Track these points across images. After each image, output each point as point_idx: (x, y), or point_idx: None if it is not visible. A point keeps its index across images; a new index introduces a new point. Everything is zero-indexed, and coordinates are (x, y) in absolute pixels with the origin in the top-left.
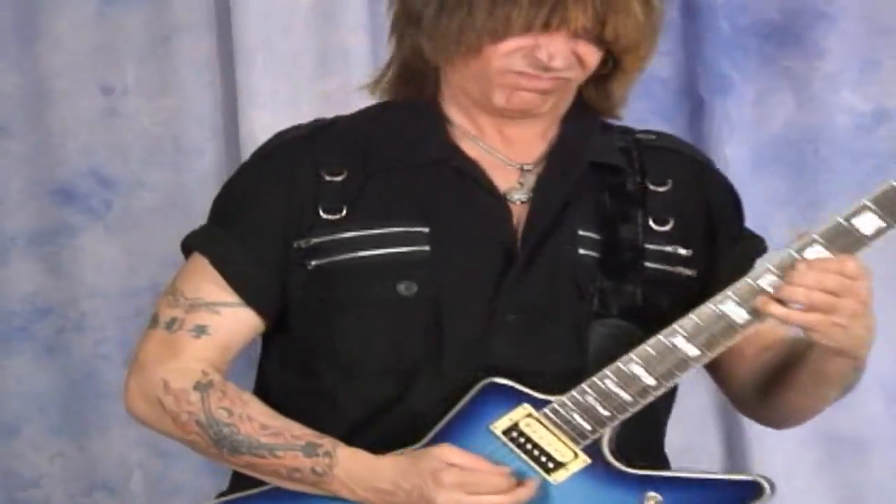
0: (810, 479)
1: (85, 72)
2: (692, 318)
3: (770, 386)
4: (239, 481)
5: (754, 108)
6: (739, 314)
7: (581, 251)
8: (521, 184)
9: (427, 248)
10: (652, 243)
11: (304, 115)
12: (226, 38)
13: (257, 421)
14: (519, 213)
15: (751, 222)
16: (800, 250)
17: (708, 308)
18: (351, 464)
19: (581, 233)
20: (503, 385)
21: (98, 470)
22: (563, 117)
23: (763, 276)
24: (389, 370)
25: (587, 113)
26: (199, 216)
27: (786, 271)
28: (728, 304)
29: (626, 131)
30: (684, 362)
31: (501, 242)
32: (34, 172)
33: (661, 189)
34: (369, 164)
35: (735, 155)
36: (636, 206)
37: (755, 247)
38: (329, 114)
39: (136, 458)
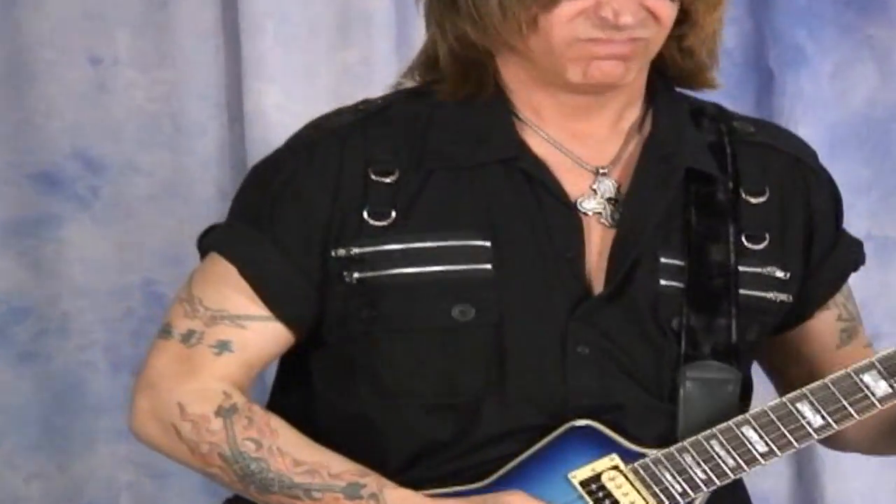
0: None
1: (71, 40)
2: (826, 385)
3: (887, 437)
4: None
5: (832, 82)
6: (881, 387)
7: (663, 282)
8: (594, 190)
9: (489, 266)
10: (745, 265)
11: (319, 90)
12: (231, 3)
13: (290, 455)
14: (590, 227)
15: None
16: None
17: (846, 376)
18: None
19: (664, 260)
20: (593, 429)
21: (81, 492)
22: (650, 102)
23: None
24: (443, 403)
25: (675, 94)
26: (199, 204)
27: None
28: (870, 375)
29: (719, 116)
30: (806, 433)
31: (570, 261)
32: (12, 154)
33: (757, 200)
34: (424, 162)
35: (809, 136)
36: (727, 221)
37: (852, 258)
38: (350, 88)
39: (124, 479)
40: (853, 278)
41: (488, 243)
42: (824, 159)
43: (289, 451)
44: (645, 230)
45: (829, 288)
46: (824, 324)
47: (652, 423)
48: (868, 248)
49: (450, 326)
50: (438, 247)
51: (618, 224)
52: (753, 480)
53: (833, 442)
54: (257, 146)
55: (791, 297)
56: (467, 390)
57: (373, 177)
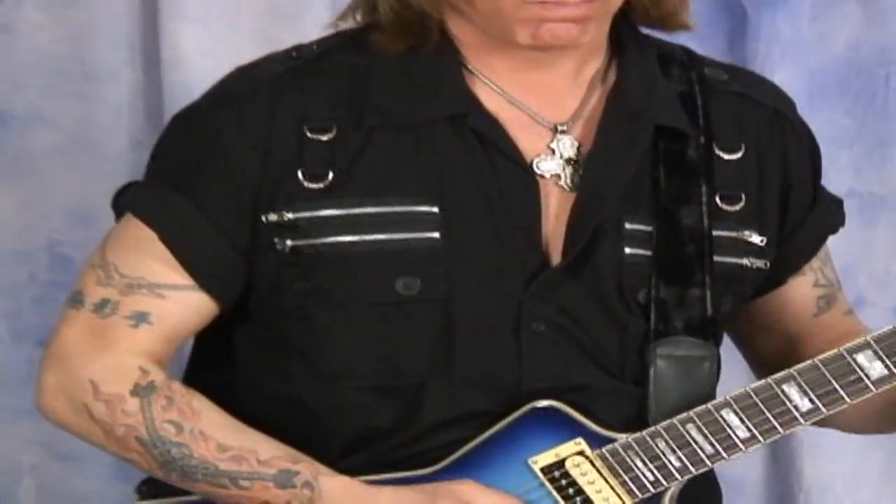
0: (879, 489)
1: None
2: (816, 366)
3: (883, 419)
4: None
5: (811, 23)
6: (876, 369)
7: (628, 250)
8: (552, 150)
9: (436, 234)
10: (719, 229)
11: (244, 31)
12: None
13: (214, 440)
14: (547, 191)
15: None
16: None
17: (838, 356)
18: (338, 498)
19: (628, 225)
20: (557, 411)
21: None
22: (615, 49)
23: None
24: (384, 386)
25: (642, 40)
26: (111, 158)
27: None
28: (865, 355)
29: (688, 63)
30: (792, 418)
31: (526, 229)
32: None
33: (731, 157)
34: (365, 118)
35: (787, 83)
36: (699, 181)
37: (831, 219)
38: (278, 30)
39: (27, 462)
40: (833, 240)
41: (436, 209)
42: (802, 109)
43: (213, 434)
44: (608, 194)
45: (805, 252)
46: (799, 291)
47: (618, 406)
48: (850, 207)
49: (393, 301)
50: (380, 213)
51: (578, 188)
52: (722, 464)
53: (824, 423)
54: (176, 94)
55: (768, 264)
56: (411, 372)
57: (308, 134)
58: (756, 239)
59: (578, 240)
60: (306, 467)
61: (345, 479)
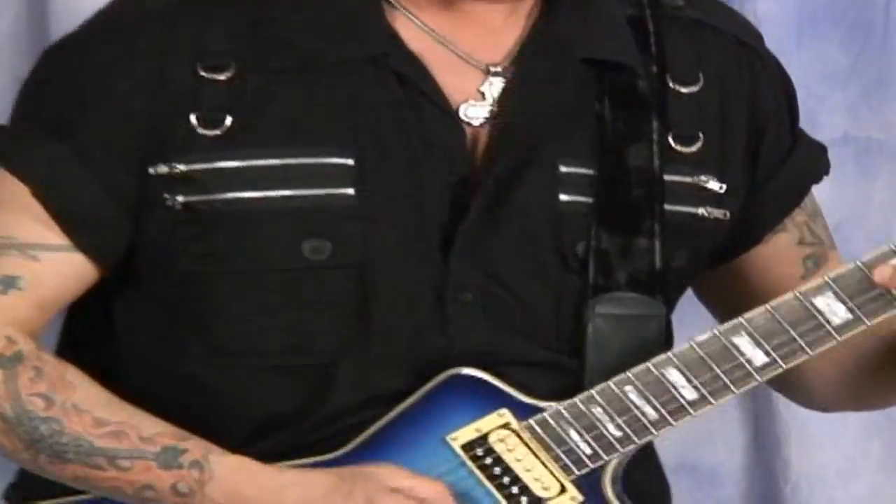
0: (876, 479)
1: None
2: (768, 312)
3: (863, 379)
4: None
5: None
6: (839, 312)
7: (564, 197)
8: (482, 94)
9: (351, 191)
10: (672, 173)
11: None
12: None
13: (89, 414)
14: (477, 140)
15: None
16: None
17: (792, 299)
18: (233, 480)
19: (564, 169)
20: (478, 380)
21: None
22: None
23: (881, 260)
24: (290, 365)
25: None
26: None
27: None
28: (824, 297)
29: None
30: (746, 374)
31: (453, 186)
32: None
33: (688, 90)
34: (269, 57)
35: (771, 13)
36: (650, 117)
37: (812, 167)
38: None
39: None
40: (825, 193)
41: (351, 161)
42: (791, 42)
43: (89, 408)
44: (531, 133)
45: (783, 204)
46: (782, 250)
47: (554, 378)
48: (845, 155)
49: (300, 267)
50: (287, 165)
51: (499, 130)
52: (699, 452)
53: (795, 391)
54: (62, 23)
55: (729, 215)
56: (322, 349)
57: (202, 73)
58: (714, 185)
59: (501, 187)
60: (195, 445)
61: (239, 458)
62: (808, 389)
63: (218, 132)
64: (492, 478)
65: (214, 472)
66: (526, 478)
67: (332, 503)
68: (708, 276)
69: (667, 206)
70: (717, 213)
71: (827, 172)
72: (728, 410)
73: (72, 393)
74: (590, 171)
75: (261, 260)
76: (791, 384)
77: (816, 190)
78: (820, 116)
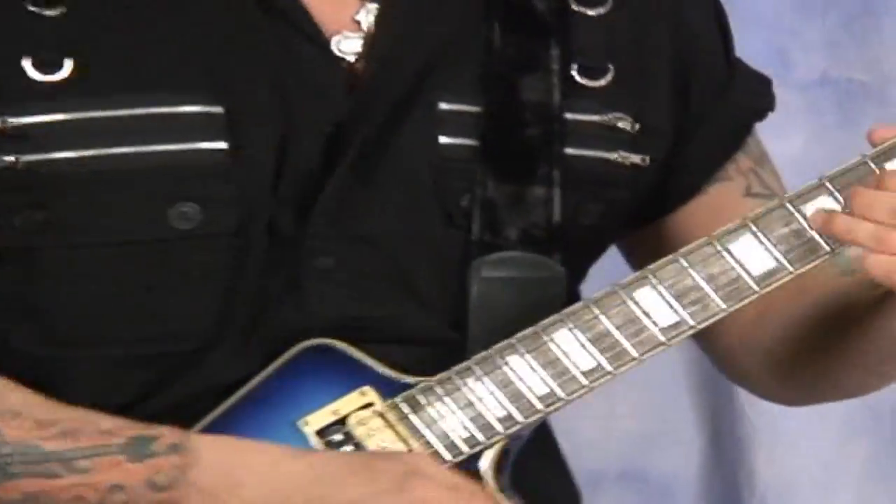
0: (861, 491)
1: None
2: (676, 261)
3: (802, 353)
4: None
5: None
6: (758, 258)
7: (444, 139)
8: (357, 23)
9: (223, 144)
10: (576, 110)
11: None
12: None
13: (29, 416)
14: (354, 76)
15: (758, 46)
16: (881, 158)
17: (706, 245)
18: (223, 460)
19: (444, 106)
20: (335, 352)
21: None
22: None
23: (810, 198)
24: (146, 355)
25: None
26: None
27: (851, 193)
28: (742, 242)
29: None
30: (650, 336)
31: (325, 135)
32: None
33: (594, 12)
34: None
35: None
36: (548, 43)
37: (753, 102)
38: None
39: None
40: (800, 144)
41: (220, 109)
42: None
43: (25, 411)
44: (412, 68)
45: (722, 147)
46: (725, 202)
47: (435, 352)
48: (824, 99)
49: (164, 238)
50: (142, 115)
51: (375, 66)
52: (646, 458)
53: (727, 366)
54: None
55: (649, 160)
56: (181, 334)
57: (31, 8)
58: (626, 125)
59: (379, 134)
60: (167, 430)
61: (224, 437)
62: (736, 363)
63: (56, 78)
64: None
65: (200, 454)
66: None
67: (340, 475)
68: (637, 236)
69: (569, 150)
70: (634, 158)
71: (772, 108)
72: (681, 407)
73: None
74: (475, 108)
75: (116, 231)
76: (721, 356)
77: (788, 143)
78: (793, 54)
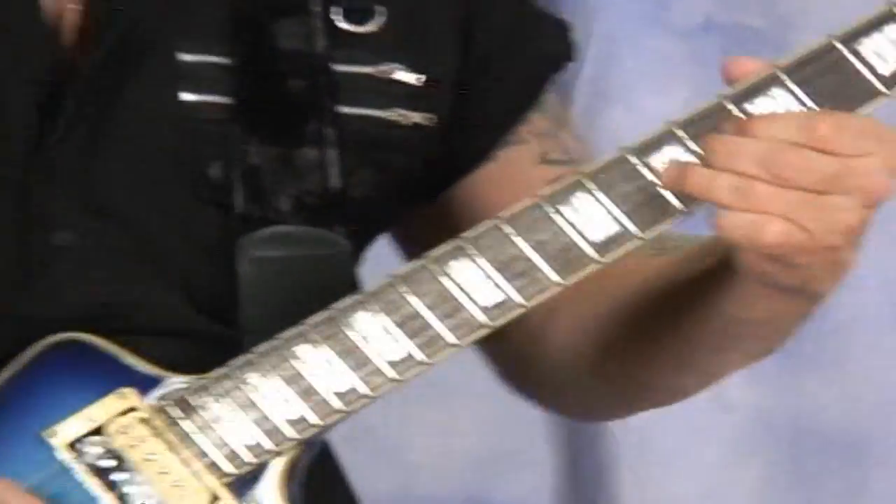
0: None
1: None
2: (500, 230)
3: (623, 343)
4: None
5: None
6: (605, 222)
7: (187, 97)
8: None
9: None
10: (344, 61)
11: None
12: None
13: None
14: (69, 19)
15: None
16: (742, 98)
17: (533, 208)
18: None
19: (186, 57)
20: (86, 348)
21: None
22: None
23: (656, 147)
24: None
25: None
26: None
27: (707, 141)
28: (579, 199)
29: None
30: (469, 316)
31: (39, 84)
32: None
33: None
34: None
35: None
36: None
37: (547, 50)
38: None
39: None
40: (681, 99)
41: None
42: None
43: None
44: (143, 10)
45: (513, 104)
46: (517, 170)
47: (204, 345)
48: (709, 47)
49: None
50: None
51: (94, 5)
52: (492, 482)
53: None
54: None
55: (437, 120)
56: None
57: None
58: (406, 77)
59: (103, 86)
60: None
61: None
62: (527, 374)
63: None
64: (109, 488)
65: None
66: (160, 485)
67: None
68: (412, 219)
69: (345, 108)
70: (417, 116)
71: (571, 58)
72: (532, 420)
73: None
74: (224, 60)
75: None
76: (506, 362)
77: (669, 98)
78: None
